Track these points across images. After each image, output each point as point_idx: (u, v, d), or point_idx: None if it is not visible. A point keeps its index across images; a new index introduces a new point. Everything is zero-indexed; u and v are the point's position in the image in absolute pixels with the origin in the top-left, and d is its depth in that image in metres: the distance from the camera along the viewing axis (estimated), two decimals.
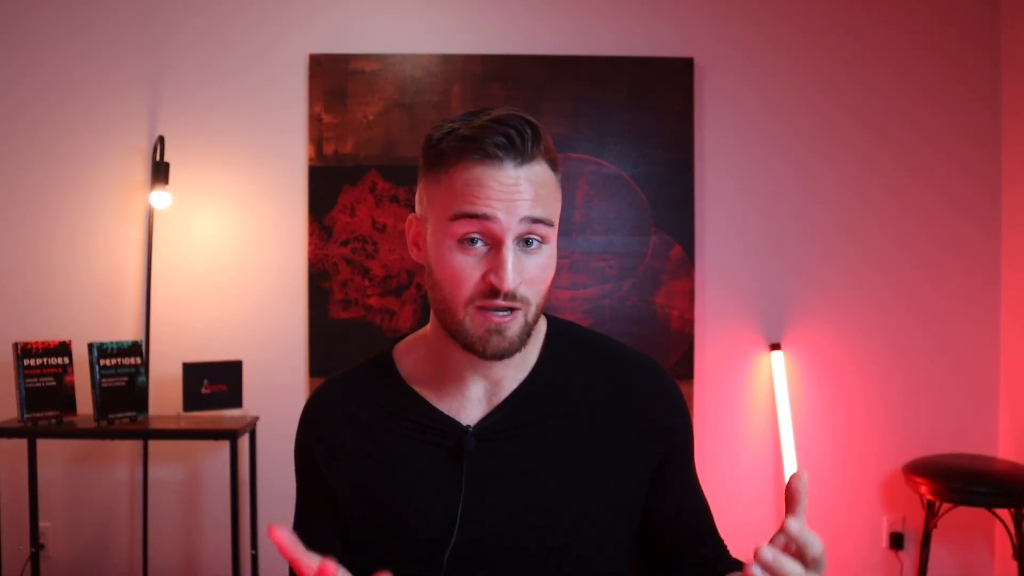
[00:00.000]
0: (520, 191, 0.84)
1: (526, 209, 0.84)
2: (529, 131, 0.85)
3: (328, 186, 2.77)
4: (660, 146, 2.77)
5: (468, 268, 0.85)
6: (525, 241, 0.86)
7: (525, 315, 0.87)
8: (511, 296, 0.85)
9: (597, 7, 2.82)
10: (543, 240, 0.87)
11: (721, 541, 1.03)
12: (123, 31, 2.77)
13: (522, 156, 0.85)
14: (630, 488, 0.96)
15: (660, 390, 0.99)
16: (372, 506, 0.94)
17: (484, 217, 0.84)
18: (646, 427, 0.97)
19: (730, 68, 2.82)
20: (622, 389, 0.97)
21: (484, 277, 0.85)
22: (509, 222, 0.84)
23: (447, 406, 0.95)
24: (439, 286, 0.88)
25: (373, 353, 1.03)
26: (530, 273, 0.86)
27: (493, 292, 0.84)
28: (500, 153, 0.84)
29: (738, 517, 2.78)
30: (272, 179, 2.80)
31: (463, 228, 0.85)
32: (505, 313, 0.86)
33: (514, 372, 0.95)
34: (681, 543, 0.99)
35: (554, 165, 0.90)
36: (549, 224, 0.87)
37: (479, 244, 0.85)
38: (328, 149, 2.77)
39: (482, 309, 0.86)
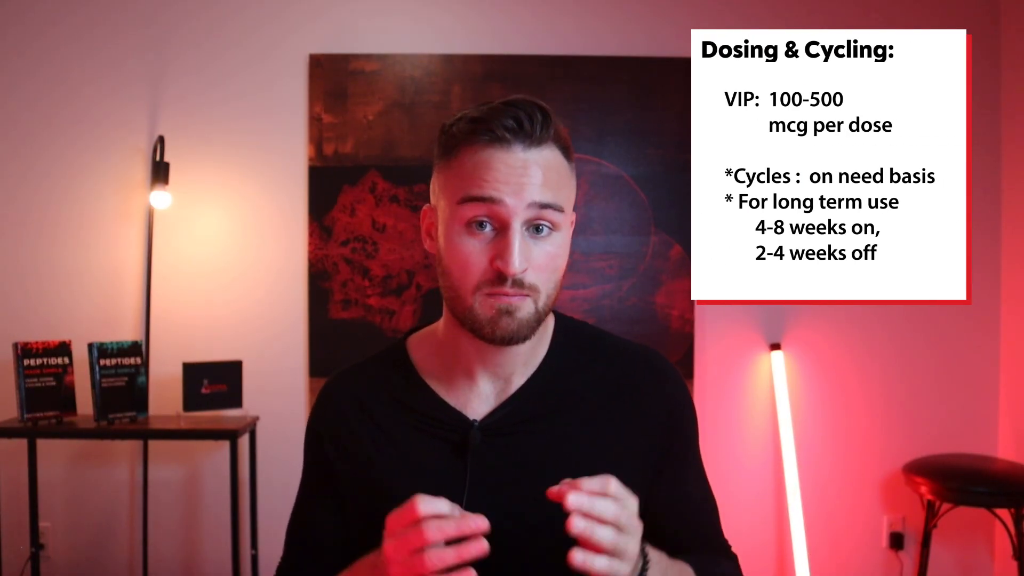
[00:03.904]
0: (529, 174, 0.84)
1: (535, 194, 0.84)
2: (539, 115, 0.85)
3: (328, 186, 2.77)
4: (660, 146, 2.77)
5: (476, 253, 0.85)
6: (536, 227, 0.86)
7: (535, 302, 0.87)
8: (519, 283, 0.84)
9: (597, 7, 2.82)
10: (553, 227, 0.87)
11: (718, 544, 1.01)
12: (123, 31, 2.77)
13: (531, 139, 0.85)
14: (633, 483, 0.95)
15: (662, 384, 0.99)
16: (375, 496, 0.94)
17: (491, 200, 0.83)
18: (647, 421, 0.96)
19: None
20: (625, 384, 0.97)
21: (491, 262, 0.84)
22: (516, 206, 0.83)
23: (456, 400, 0.95)
24: (448, 272, 0.88)
25: (389, 344, 1.04)
26: (538, 260, 0.86)
27: (500, 278, 0.84)
28: (508, 135, 0.84)
29: (738, 517, 2.78)
30: (272, 179, 2.80)
31: (471, 211, 0.85)
32: (514, 296, 0.86)
33: (523, 368, 0.96)
34: (672, 543, 0.96)
35: (567, 152, 0.90)
36: (559, 210, 0.86)
37: (487, 228, 0.85)
38: (328, 149, 2.77)
39: (490, 295, 0.85)
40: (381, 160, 2.76)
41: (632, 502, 0.77)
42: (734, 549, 1.05)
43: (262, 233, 2.80)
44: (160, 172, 2.63)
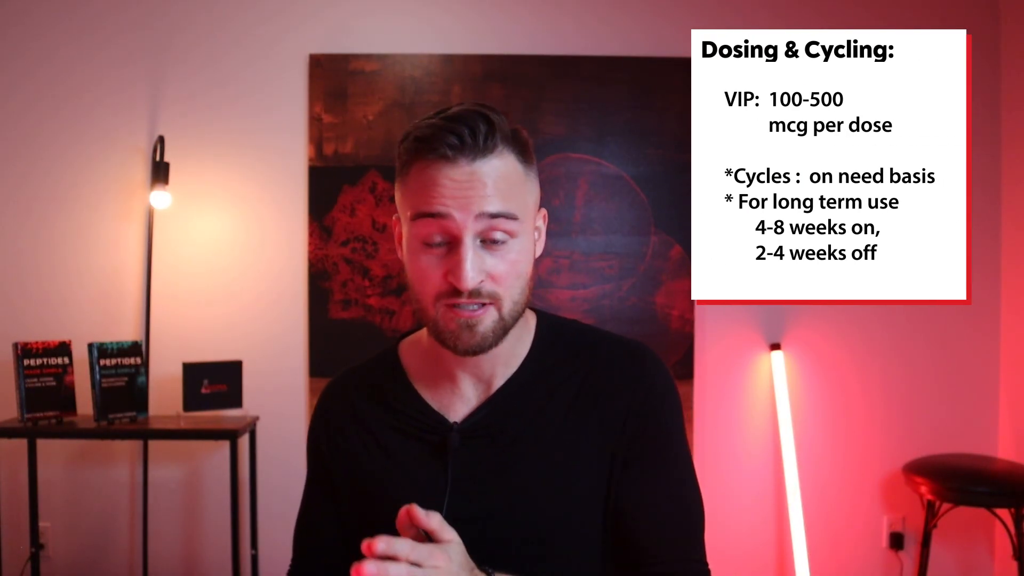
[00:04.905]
0: (475, 187, 0.84)
1: (483, 205, 0.84)
2: (483, 126, 0.84)
3: (328, 186, 2.77)
4: (660, 146, 2.77)
5: (432, 267, 0.86)
6: (492, 238, 0.86)
7: (499, 311, 0.87)
8: (475, 293, 0.85)
9: (597, 7, 2.82)
10: (510, 235, 0.86)
11: (690, 561, 0.93)
12: (123, 32, 2.77)
13: (477, 151, 0.84)
14: (605, 481, 0.94)
15: (637, 370, 0.96)
16: (365, 496, 0.97)
17: (440, 216, 0.84)
18: (620, 407, 0.94)
19: None
20: (602, 372, 0.96)
21: (445, 276, 0.85)
22: (465, 220, 0.84)
23: (439, 402, 0.97)
24: (411, 285, 0.90)
25: (385, 346, 1.06)
26: (496, 270, 0.86)
27: (456, 291, 0.85)
28: (451, 152, 0.83)
29: (738, 517, 2.78)
30: (272, 179, 2.80)
31: (424, 228, 0.86)
32: (474, 308, 0.86)
33: (504, 369, 0.96)
34: (633, 551, 0.93)
35: (523, 154, 0.89)
36: (512, 218, 0.86)
37: (441, 243, 0.86)
38: (328, 149, 2.77)
39: (449, 306, 0.86)
40: (381, 160, 2.76)
41: (440, 559, 0.76)
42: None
43: (262, 233, 2.80)
44: (160, 172, 2.63)
